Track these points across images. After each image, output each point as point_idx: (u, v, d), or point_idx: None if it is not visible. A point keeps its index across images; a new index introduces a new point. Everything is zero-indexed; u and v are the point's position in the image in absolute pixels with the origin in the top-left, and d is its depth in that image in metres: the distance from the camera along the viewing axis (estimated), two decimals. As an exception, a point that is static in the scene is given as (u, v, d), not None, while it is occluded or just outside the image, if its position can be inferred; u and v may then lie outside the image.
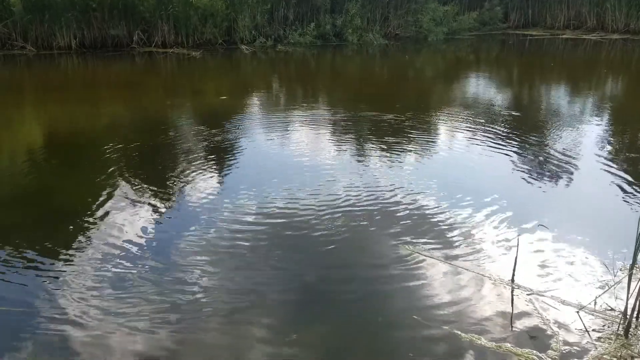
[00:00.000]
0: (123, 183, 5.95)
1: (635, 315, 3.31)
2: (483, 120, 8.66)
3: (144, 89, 12.19)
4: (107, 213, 5.14)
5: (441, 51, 19.02)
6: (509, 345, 3.14)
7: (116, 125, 8.73)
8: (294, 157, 6.92)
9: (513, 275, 3.86)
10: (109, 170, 6.33)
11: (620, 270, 3.99)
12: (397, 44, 19.48)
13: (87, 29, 16.86)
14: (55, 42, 16.57)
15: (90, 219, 5.00)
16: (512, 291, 3.75)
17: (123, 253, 4.35)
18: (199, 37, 17.92)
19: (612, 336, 3.23)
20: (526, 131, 8.00)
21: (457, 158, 6.97)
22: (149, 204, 5.40)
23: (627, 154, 6.77)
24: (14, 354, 3.18)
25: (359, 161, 6.77)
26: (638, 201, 5.34)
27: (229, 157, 7.03)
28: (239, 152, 7.23)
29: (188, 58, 16.17)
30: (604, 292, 3.65)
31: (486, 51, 19.59)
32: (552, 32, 21.77)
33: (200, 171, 6.36)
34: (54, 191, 5.89)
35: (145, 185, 5.90)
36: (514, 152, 7.01)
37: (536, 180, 6.00)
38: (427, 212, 5.09)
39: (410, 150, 7.25)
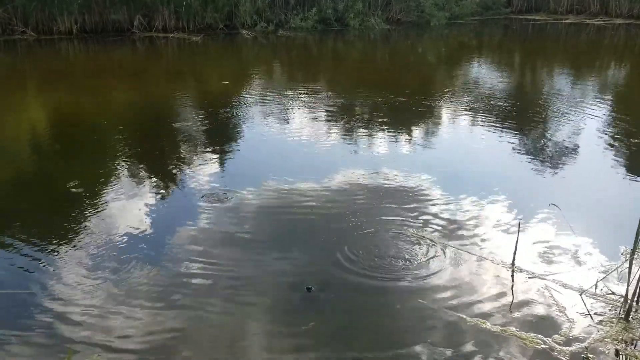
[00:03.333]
0: (124, 168, 5.98)
1: (636, 299, 3.35)
2: (485, 106, 8.65)
3: (146, 75, 12.16)
4: (108, 198, 5.17)
5: (443, 36, 18.91)
6: (513, 329, 3.17)
7: (117, 111, 8.73)
8: (296, 143, 6.93)
9: (514, 258, 3.89)
10: (111, 156, 6.35)
11: (622, 254, 4.03)
12: (399, 29, 19.36)
13: (88, 13, 16.74)
14: (55, 27, 16.46)
15: (92, 204, 5.03)
16: (512, 274, 3.78)
17: (124, 238, 4.39)
18: (200, 22, 17.80)
19: (613, 320, 3.27)
20: (528, 116, 8.00)
21: (459, 143, 6.98)
22: (151, 188, 5.43)
23: (630, 139, 6.77)
24: (17, 337, 3.21)
25: (360, 146, 6.78)
26: (640, 186, 5.37)
27: (230, 143, 7.04)
28: (240, 138, 7.24)
29: (189, 43, 16.09)
30: (605, 276, 3.68)
31: (489, 36, 19.48)
32: (555, 16, 21.60)
33: (202, 157, 6.38)
34: (57, 176, 5.91)
35: (147, 170, 5.92)
36: (516, 137, 7.02)
37: (538, 164, 6.01)
38: (429, 197, 5.11)
39: (412, 135, 7.26)
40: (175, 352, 3.09)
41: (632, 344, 3.05)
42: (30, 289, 3.69)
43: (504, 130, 7.30)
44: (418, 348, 3.06)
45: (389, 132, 7.37)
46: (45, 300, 3.55)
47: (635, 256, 3.72)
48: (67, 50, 15.16)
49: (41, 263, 4.03)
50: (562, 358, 2.93)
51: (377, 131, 7.41)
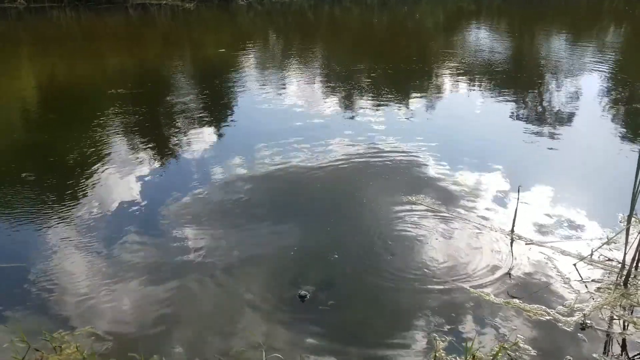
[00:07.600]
0: (119, 137, 5.92)
1: (634, 265, 3.36)
2: (484, 73, 8.55)
3: (141, 42, 11.95)
4: (101, 168, 5.13)
5: (441, 1, 18.58)
6: (517, 301, 3.16)
7: (112, 80, 8.60)
8: (292, 111, 6.85)
9: (513, 225, 3.88)
10: (104, 124, 6.28)
11: (621, 221, 4.03)
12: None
13: (79, -21, 16.40)
14: (46, -7, 16.14)
15: (86, 174, 4.99)
16: (511, 241, 3.77)
17: (118, 209, 4.36)
18: (194, -12, 17.47)
19: (611, 286, 3.28)
20: (527, 83, 7.92)
21: (457, 110, 6.92)
22: (145, 158, 5.38)
23: (630, 104, 6.71)
24: (10, 309, 3.18)
25: (357, 115, 6.71)
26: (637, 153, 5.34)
27: (226, 111, 6.96)
28: (237, 106, 7.16)
29: (183, 10, 15.80)
30: (603, 244, 3.69)
31: (488, 1, 19.15)
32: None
33: (197, 125, 6.31)
34: (51, 145, 5.85)
35: (142, 140, 5.86)
36: (515, 103, 6.96)
37: (536, 133, 5.97)
38: (428, 165, 5.08)
39: (410, 104, 7.19)
40: (169, 324, 3.06)
41: (630, 310, 3.06)
42: (23, 261, 3.65)
43: (503, 96, 7.23)
44: (419, 320, 3.05)
45: (386, 99, 7.28)
46: (38, 273, 3.52)
47: (632, 223, 3.73)
48: (58, 18, 14.87)
49: (33, 235, 4.00)
50: (564, 327, 2.94)
51: (374, 98, 7.33)
